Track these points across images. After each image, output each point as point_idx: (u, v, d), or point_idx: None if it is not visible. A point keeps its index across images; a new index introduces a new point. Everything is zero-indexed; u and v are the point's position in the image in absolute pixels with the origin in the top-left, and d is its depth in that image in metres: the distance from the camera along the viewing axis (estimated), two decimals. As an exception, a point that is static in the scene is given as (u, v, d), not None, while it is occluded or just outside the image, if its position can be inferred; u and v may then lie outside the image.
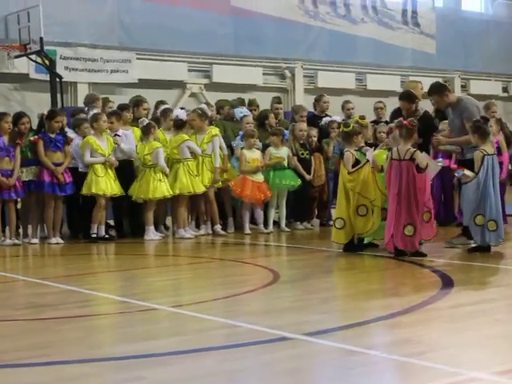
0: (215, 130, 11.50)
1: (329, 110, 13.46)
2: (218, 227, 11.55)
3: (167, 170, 11.08)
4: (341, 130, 9.67)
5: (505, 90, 24.04)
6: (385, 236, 8.97)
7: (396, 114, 10.98)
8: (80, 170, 11.03)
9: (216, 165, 11.35)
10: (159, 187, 10.97)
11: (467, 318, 5.75)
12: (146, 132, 11.12)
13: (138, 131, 11.49)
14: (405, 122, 9.04)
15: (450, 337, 5.18)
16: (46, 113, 11.04)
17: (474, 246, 9.21)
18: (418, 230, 8.80)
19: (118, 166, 11.06)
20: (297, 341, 5.09)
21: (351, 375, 4.40)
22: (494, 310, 6.06)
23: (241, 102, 13.19)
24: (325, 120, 12.76)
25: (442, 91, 9.73)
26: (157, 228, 11.40)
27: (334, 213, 10.30)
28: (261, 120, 12.73)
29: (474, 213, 9.01)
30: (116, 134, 11.20)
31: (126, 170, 11.19)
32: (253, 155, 11.61)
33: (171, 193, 11.05)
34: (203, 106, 11.98)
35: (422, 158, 8.88)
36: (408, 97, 10.71)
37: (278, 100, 13.74)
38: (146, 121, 11.30)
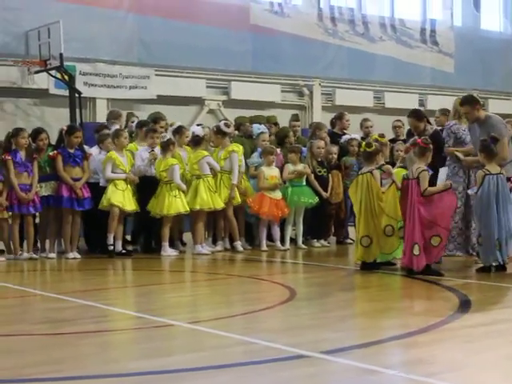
0: (234, 147, 11.50)
1: (349, 128, 13.48)
2: (238, 243, 11.54)
3: (183, 186, 11.10)
4: (362, 149, 9.65)
5: (524, 109, 23.95)
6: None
7: (411, 133, 10.97)
8: (101, 185, 11.07)
9: (234, 181, 11.35)
10: (174, 203, 10.99)
11: (484, 339, 5.72)
12: (165, 148, 11.16)
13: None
14: (418, 140, 9.07)
15: (466, 357, 5.15)
16: (65, 128, 11.10)
17: (481, 265, 9.16)
18: (423, 250, 8.78)
19: (139, 182, 11.12)
20: (314, 359, 5.07)
21: (368, 394, 4.39)
22: (510, 331, 6.03)
23: (260, 119, 13.21)
24: (344, 138, 12.78)
25: (474, 104, 9.77)
26: (173, 244, 11.41)
27: (354, 231, 10.25)
28: (280, 138, 12.77)
29: (479, 231, 9.08)
30: (152, 150, 11.24)
31: (147, 186, 11.20)
32: (271, 172, 11.61)
33: (187, 209, 11.07)
34: (221, 122, 12.00)
35: (425, 179, 8.85)
36: (416, 114, 10.70)
37: (296, 118, 13.77)
38: (167, 137, 11.34)
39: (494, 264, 9.01)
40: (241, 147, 11.64)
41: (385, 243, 9.27)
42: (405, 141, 11.20)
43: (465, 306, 6.98)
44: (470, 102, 9.81)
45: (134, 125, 12.47)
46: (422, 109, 13.42)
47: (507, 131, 9.73)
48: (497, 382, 4.62)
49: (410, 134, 11.16)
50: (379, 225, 9.20)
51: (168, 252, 11.01)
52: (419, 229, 8.77)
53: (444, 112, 11.99)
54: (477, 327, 6.08)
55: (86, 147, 11.39)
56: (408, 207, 8.87)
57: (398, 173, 9.48)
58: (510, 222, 9.02)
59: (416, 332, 5.84)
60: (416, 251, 8.76)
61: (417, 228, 8.77)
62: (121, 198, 10.85)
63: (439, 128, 11.13)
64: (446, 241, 9.23)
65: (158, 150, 11.27)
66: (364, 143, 9.69)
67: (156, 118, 12.36)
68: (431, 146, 9.09)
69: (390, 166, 9.91)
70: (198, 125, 12.61)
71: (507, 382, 4.67)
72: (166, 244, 11.08)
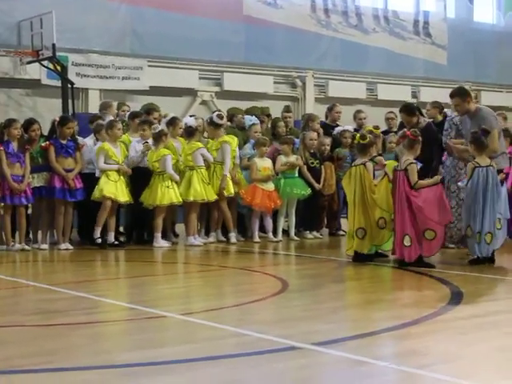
0: (226, 138, 11.48)
1: (340, 119, 13.46)
2: (233, 235, 11.53)
3: (176, 177, 11.08)
4: (356, 141, 9.64)
5: (517, 101, 23.98)
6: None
7: (403, 125, 10.98)
8: (97, 175, 11.05)
9: (225, 172, 11.32)
10: (167, 194, 10.98)
11: (476, 330, 5.73)
12: (157, 139, 11.13)
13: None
14: (407, 132, 9.07)
15: (459, 349, 5.15)
16: (57, 119, 11.07)
17: (473, 258, 9.16)
18: (415, 242, 8.78)
19: (132, 174, 11.11)
20: (306, 350, 5.08)
21: (360, 386, 4.39)
22: (503, 323, 6.04)
23: (254, 111, 13.18)
24: (337, 130, 12.78)
25: (464, 96, 9.78)
26: (166, 235, 11.40)
27: (346, 222, 10.25)
28: (273, 129, 12.80)
29: (467, 223, 9.08)
30: (146, 142, 11.20)
31: (140, 177, 11.17)
32: (264, 164, 11.61)
33: (180, 200, 11.06)
34: (214, 114, 11.98)
35: (414, 172, 8.85)
36: (406, 109, 10.68)
37: (287, 109, 13.76)
38: (159, 128, 11.31)
39: (478, 256, 9.01)
40: (235, 139, 11.62)
41: (377, 235, 9.28)
42: (397, 132, 11.20)
43: (457, 297, 7.00)
44: (459, 94, 9.83)
45: (125, 114, 12.46)
46: (414, 101, 13.44)
47: (498, 123, 9.74)
48: (489, 374, 4.63)
49: (402, 125, 11.17)
50: (373, 217, 9.20)
51: (160, 243, 11.00)
52: (409, 220, 8.78)
53: (435, 105, 11.98)
54: (469, 319, 6.10)
55: (79, 138, 11.36)
56: (397, 198, 8.90)
57: (390, 165, 9.48)
58: (496, 216, 9.01)
59: (408, 324, 5.84)
60: (407, 242, 8.79)
61: (407, 219, 8.78)
62: (113, 189, 10.84)
63: (430, 120, 11.13)
64: (443, 236, 9.17)
65: (150, 141, 11.25)
66: (358, 135, 9.68)
67: (149, 109, 12.35)
68: (420, 138, 9.08)
69: (382, 158, 9.91)
70: (191, 116, 12.57)
71: (500, 373, 4.68)
72: (158, 235, 11.07)
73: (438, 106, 11.84)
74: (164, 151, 11.06)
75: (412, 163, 8.89)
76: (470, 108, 9.79)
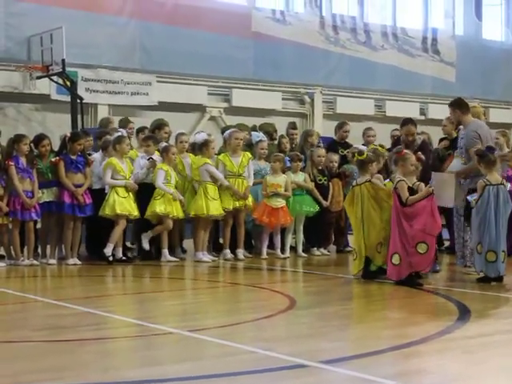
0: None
1: (348, 137, 13.46)
2: (240, 251, 11.52)
3: (167, 189, 10.97)
4: (355, 158, 9.67)
5: (524, 118, 23.99)
6: None
7: (397, 141, 11.09)
8: (106, 191, 11.06)
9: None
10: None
11: (484, 349, 5.72)
12: (162, 155, 11.16)
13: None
14: (403, 150, 9.18)
15: (466, 368, 5.15)
16: (68, 134, 11.12)
17: (482, 276, 9.14)
18: (405, 260, 8.78)
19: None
20: (313, 368, 5.08)
21: (367, 405, 4.39)
22: (510, 342, 6.03)
23: (266, 127, 13.21)
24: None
25: (462, 107, 9.84)
26: (173, 250, 11.40)
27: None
28: (279, 146, 12.85)
29: (477, 241, 9.05)
30: (150, 158, 11.23)
31: (144, 193, 11.18)
32: (274, 180, 11.59)
33: (174, 214, 11.02)
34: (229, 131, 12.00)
35: (403, 189, 8.84)
36: (413, 122, 10.81)
37: (293, 125, 13.76)
38: (164, 143, 11.38)
39: (491, 276, 8.98)
40: (248, 154, 11.62)
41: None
42: (389, 150, 11.18)
43: (464, 316, 6.99)
44: (458, 105, 9.92)
45: (132, 131, 12.56)
46: (422, 118, 13.47)
47: (476, 142, 9.66)
48: (496, 394, 4.64)
49: (396, 142, 11.22)
50: (383, 231, 9.20)
51: (167, 258, 11.01)
52: (399, 238, 8.79)
53: (452, 121, 11.99)
54: (476, 338, 6.09)
55: (93, 153, 11.41)
56: (391, 216, 8.93)
57: (389, 185, 9.51)
58: (501, 235, 8.97)
59: (415, 342, 5.84)
60: (395, 261, 8.79)
61: (397, 237, 8.80)
62: (125, 205, 10.85)
63: (444, 136, 11.16)
64: (434, 248, 9.15)
65: (155, 156, 11.27)
66: (356, 152, 9.71)
67: (160, 125, 12.38)
68: (405, 154, 9.13)
69: (380, 176, 9.86)
70: (201, 132, 12.59)
71: (506, 393, 4.69)
72: (164, 251, 11.07)
73: (455, 122, 11.84)
74: (159, 165, 11.07)
75: (400, 180, 8.90)
76: (464, 120, 9.87)
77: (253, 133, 12.57)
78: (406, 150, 9.30)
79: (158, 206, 10.93)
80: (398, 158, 9.12)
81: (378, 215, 9.25)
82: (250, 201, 11.51)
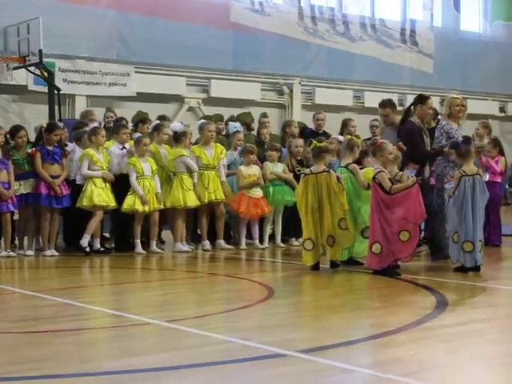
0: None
1: (327, 127, 13.48)
2: (222, 242, 11.52)
3: (138, 190, 10.89)
4: (313, 145, 9.64)
5: (502, 109, 24.14)
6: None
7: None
8: (78, 182, 11.03)
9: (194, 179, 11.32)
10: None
11: (460, 338, 5.75)
12: (136, 146, 11.11)
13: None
14: (379, 141, 9.21)
15: (443, 356, 5.18)
16: (44, 125, 11.05)
17: (458, 266, 9.19)
18: (386, 249, 8.82)
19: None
20: (290, 358, 5.09)
21: (344, 393, 4.41)
22: (486, 330, 6.07)
23: (245, 118, 13.23)
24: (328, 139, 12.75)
25: (395, 107, 9.93)
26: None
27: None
28: (258, 136, 12.85)
29: (453, 230, 9.10)
30: (123, 147, 11.20)
31: (121, 183, 11.14)
32: (249, 171, 11.61)
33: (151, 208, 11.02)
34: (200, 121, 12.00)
35: (384, 179, 8.88)
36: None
37: (264, 114, 13.73)
38: (137, 134, 11.34)
39: (468, 266, 9.03)
40: (221, 146, 11.62)
41: (343, 239, 9.35)
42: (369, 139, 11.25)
43: (441, 305, 7.02)
44: (392, 106, 10.21)
45: (110, 120, 12.55)
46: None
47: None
48: (473, 382, 4.66)
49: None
50: (335, 221, 9.24)
51: (139, 250, 10.97)
52: (380, 227, 8.81)
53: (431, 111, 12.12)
54: (453, 327, 6.12)
55: (69, 144, 11.35)
56: (371, 206, 8.96)
57: (366, 172, 9.52)
58: (478, 225, 9.02)
59: (392, 331, 5.86)
60: (376, 250, 8.82)
61: (377, 227, 8.82)
62: (103, 196, 10.81)
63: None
64: (417, 237, 9.20)
65: (128, 145, 11.25)
66: (315, 140, 9.72)
67: (144, 119, 12.33)
68: (381, 144, 9.17)
69: (355, 165, 9.87)
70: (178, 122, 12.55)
71: (483, 381, 4.71)
72: (137, 241, 11.04)
73: (433, 112, 11.90)
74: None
75: (380, 171, 8.93)
76: (395, 120, 10.03)
77: (229, 123, 12.57)
78: (381, 140, 9.30)
79: (133, 201, 10.89)
80: (374, 149, 9.13)
81: (333, 205, 9.26)
82: (221, 193, 11.43)
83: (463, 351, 5.36)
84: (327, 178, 9.29)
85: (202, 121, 12.08)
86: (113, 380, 4.66)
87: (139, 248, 11.00)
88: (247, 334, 5.82)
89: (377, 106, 11.08)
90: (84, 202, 10.79)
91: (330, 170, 9.42)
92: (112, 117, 12.93)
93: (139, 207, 10.89)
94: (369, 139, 12.39)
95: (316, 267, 9.32)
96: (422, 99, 10.33)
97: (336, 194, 9.23)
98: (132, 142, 11.35)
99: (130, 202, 10.92)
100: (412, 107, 10.33)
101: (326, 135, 12.78)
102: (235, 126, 12.41)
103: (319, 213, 9.27)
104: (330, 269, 9.43)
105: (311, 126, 13.58)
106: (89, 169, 10.87)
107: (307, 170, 9.65)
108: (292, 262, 10.44)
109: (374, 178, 8.95)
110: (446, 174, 9.85)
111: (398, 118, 10.15)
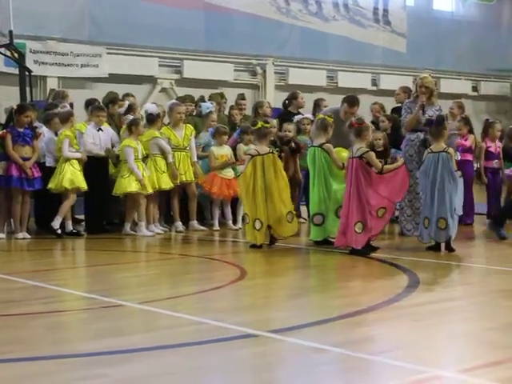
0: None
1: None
2: (195, 223, 11.50)
3: (138, 174, 10.82)
4: (258, 125, 9.70)
5: (474, 89, 24.24)
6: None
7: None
8: (48, 164, 10.95)
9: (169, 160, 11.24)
10: (123, 183, 10.94)
11: (432, 316, 5.80)
12: (129, 128, 11.00)
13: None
14: (353, 122, 9.19)
15: (414, 335, 5.23)
16: (15, 107, 10.95)
17: (432, 244, 9.25)
18: (368, 228, 8.88)
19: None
20: (262, 338, 5.12)
21: (316, 373, 4.43)
22: (458, 309, 6.13)
23: (201, 99, 13.14)
24: (297, 117, 12.75)
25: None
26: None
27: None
28: (229, 117, 12.86)
29: (422, 210, 9.35)
30: (100, 128, 11.11)
31: (93, 166, 11.08)
32: (221, 152, 11.58)
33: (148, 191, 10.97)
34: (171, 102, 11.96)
35: (373, 159, 8.95)
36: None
37: (242, 96, 13.70)
38: (130, 117, 11.22)
39: (441, 241, 9.10)
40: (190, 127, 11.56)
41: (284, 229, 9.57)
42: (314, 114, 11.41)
43: (413, 284, 7.07)
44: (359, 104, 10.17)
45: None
46: (374, 89, 13.52)
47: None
48: (443, 360, 4.70)
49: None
50: (274, 209, 9.41)
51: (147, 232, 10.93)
52: (362, 206, 8.85)
53: (405, 90, 12.16)
54: (424, 305, 6.17)
55: (40, 125, 11.24)
56: (349, 185, 8.96)
57: (341, 151, 9.55)
58: (453, 206, 9.07)
59: (364, 310, 5.90)
60: (359, 229, 8.85)
61: (359, 205, 8.86)
62: (80, 178, 10.74)
63: (398, 105, 11.24)
64: (392, 212, 9.40)
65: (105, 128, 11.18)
66: (262, 121, 9.79)
67: (114, 99, 12.22)
68: (366, 124, 9.24)
69: (330, 145, 9.87)
70: (152, 103, 12.46)
71: (453, 359, 4.76)
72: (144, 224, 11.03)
73: (407, 91, 11.96)
74: (126, 142, 10.94)
75: (368, 151, 8.97)
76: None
77: (202, 104, 12.50)
78: (360, 120, 9.26)
79: (130, 185, 10.82)
80: (360, 128, 9.09)
81: (279, 185, 9.42)
82: (191, 174, 11.40)
83: (435, 329, 5.41)
84: (273, 160, 9.46)
85: (172, 101, 12.04)
86: (88, 362, 4.66)
87: (144, 230, 10.91)
88: (220, 314, 5.84)
89: (349, 86, 11.14)
90: (56, 185, 10.69)
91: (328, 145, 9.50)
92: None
93: (137, 189, 10.82)
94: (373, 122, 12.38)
95: (261, 246, 9.48)
96: None
97: (283, 177, 9.48)
98: (107, 124, 11.26)
99: (127, 184, 10.83)
100: None
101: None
102: (208, 106, 12.34)
103: (265, 194, 9.37)
104: (303, 249, 9.47)
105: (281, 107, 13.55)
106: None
107: (253, 151, 9.69)
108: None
109: (360, 157, 8.92)
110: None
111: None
